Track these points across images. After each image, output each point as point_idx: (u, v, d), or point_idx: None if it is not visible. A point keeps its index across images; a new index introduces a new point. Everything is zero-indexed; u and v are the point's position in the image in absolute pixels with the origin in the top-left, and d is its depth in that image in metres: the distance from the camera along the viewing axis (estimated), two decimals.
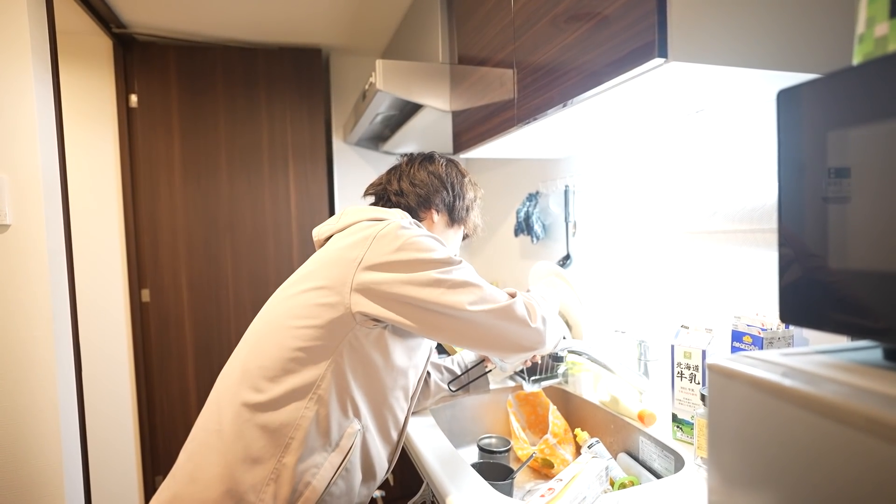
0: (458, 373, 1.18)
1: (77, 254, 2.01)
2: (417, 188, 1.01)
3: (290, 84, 2.24)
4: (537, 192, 1.74)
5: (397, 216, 0.93)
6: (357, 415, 0.84)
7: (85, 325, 2.02)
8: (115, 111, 2.05)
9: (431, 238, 0.86)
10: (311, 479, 0.78)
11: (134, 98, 2.07)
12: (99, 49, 2.02)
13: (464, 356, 1.22)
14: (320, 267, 0.86)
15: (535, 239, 1.72)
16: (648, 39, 0.71)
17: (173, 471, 0.83)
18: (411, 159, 1.07)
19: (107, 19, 1.87)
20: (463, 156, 1.52)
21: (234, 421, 0.80)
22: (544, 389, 1.28)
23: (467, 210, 1.07)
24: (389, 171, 1.07)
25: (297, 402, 0.79)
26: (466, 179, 1.09)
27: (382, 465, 0.90)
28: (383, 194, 1.04)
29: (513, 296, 0.87)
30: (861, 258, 0.45)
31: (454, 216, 1.05)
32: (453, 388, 1.16)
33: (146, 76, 2.08)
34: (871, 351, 0.50)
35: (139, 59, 2.06)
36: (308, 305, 0.83)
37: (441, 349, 1.67)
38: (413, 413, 1.17)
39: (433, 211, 1.02)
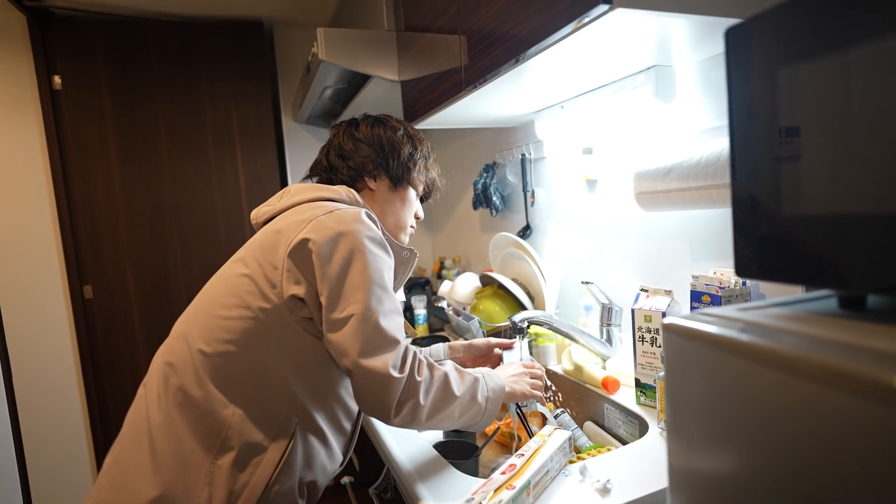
0: None
1: (6, 251, 1.86)
2: (347, 160, 0.93)
3: (231, 60, 2.11)
4: (494, 163, 1.70)
5: (343, 194, 0.87)
6: (296, 408, 0.78)
7: (22, 326, 1.89)
8: (36, 94, 1.88)
9: (373, 249, 0.77)
10: (249, 479, 0.73)
11: (58, 79, 1.90)
12: (10, 26, 1.83)
13: (431, 350, 1.16)
14: (253, 251, 0.80)
15: (494, 211, 1.69)
16: None
17: (100, 478, 0.76)
18: (337, 129, 0.98)
19: None
20: (416, 126, 1.46)
21: (163, 423, 0.74)
22: None
23: (407, 167, 0.96)
24: (322, 147, 0.99)
25: (229, 398, 0.74)
26: (399, 134, 0.97)
27: (336, 456, 0.85)
28: (319, 173, 0.97)
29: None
30: (813, 202, 0.42)
31: (393, 177, 0.95)
32: None
33: (69, 55, 1.91)
34: (826, 301, 0.48)
35: (60, 37, 1.89)
36: (238, 294, 0.77)
37: None
38: None
39: (368, 179, 0.94)
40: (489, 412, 0.84)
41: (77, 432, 2.01)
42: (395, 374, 0.72)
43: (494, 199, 1.66)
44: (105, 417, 2.04)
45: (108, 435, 2.05)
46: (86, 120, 1.95)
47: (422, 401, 0.75)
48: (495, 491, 0.67)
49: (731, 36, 0.47)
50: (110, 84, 1.96)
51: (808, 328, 0.40)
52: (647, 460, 0.79)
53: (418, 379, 0.75)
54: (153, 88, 2.02)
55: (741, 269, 0.49)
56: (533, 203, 1.54)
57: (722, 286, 0.87)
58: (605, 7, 0.66)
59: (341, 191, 0.88)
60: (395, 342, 0.75)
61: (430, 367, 0.78)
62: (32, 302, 1.93)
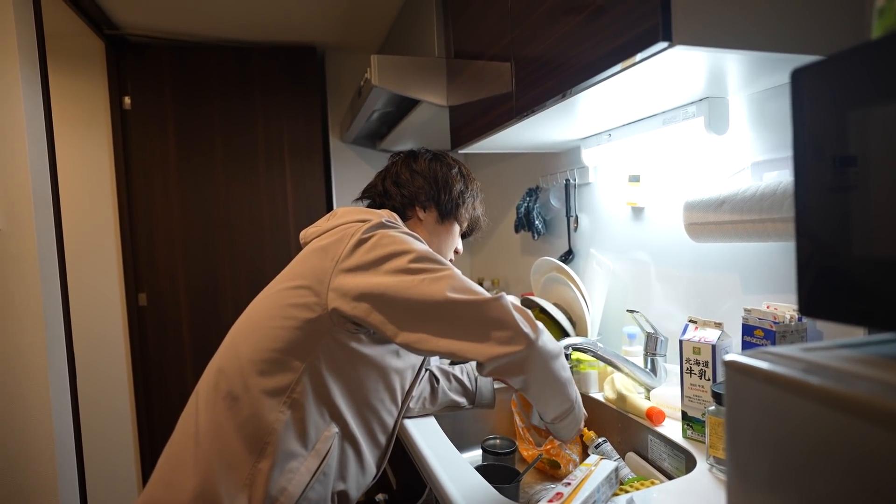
0: (468, 384, 1.16)
1: (72, 258, 1.98)
2: (401, 188, 1.00)
3: (285, 83, 2.21)
4: (537, 187, 1.71)
5: (384, 216, 0.91)
6: (336, 418, 0.81)
7: (82, 330, 2.00)
8: (108, 114, 2.03)
9: (409, 235, 0.84)
10: (287, 485, 0.76)
11: (127, 100, 2.04)
12: (91, 51, 1.99)
13: (474, 367, 1.19)
14: (299, 266, 0.85)
15: (535, 235, 1.70)
16: (652, 23, 0.68)
17: (152, 475, 0.81)
18: (396, 158, 1.05)
19: (98, 20, 1.84)
20: (461, 151, 1.49)
21: (210, 424, 0.78)
22: None
23: (456, 203, 1.02)
24: (378, 173, 1.06)
25: (272, 405, 0.77)
26: (454, 172, 1.03)
27: (370, 468, 0.87)
28: (373, 196, 1.03)
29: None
30: (886, 244, 0.42)
31: (442, 211, 1.01)
32: (467, 405, 1.16)
33: (139, 77, 2.05)
34: (892, 345, 0.47)
35: (132, 61, 2.04)
36: (284, 306, 0.81)
37: None
38: (416, 416, 1.14)
39: (418, 209, 1.00)
40: (577, 415, 0.88)
41: (125, 424, 2.12)
42: (490, 295, 0.79)
43: (537, 222, 1.67)
44: (151, 414, 2.14)
45: (152, 430, 2.14)
46: (150, 138, 2.07)
47: (534, 331, 0.78)
48: None
49: (797, 77, 0.48)
50: (174, 104, 2.09)
51: (877, 372, 0.40)
52: (696, 496, 0.78)
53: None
54: (212, 110, 2.14)
55: (806, 309, 0.48)
56: (576, 228, 1.55)
57: (776, 321, 0.86)
58: (664, 44, 0.67)
59: (383, 214, 0.92)
60: (459, 279, 0.81)
61: None
62: (93, 305, 2.06)
